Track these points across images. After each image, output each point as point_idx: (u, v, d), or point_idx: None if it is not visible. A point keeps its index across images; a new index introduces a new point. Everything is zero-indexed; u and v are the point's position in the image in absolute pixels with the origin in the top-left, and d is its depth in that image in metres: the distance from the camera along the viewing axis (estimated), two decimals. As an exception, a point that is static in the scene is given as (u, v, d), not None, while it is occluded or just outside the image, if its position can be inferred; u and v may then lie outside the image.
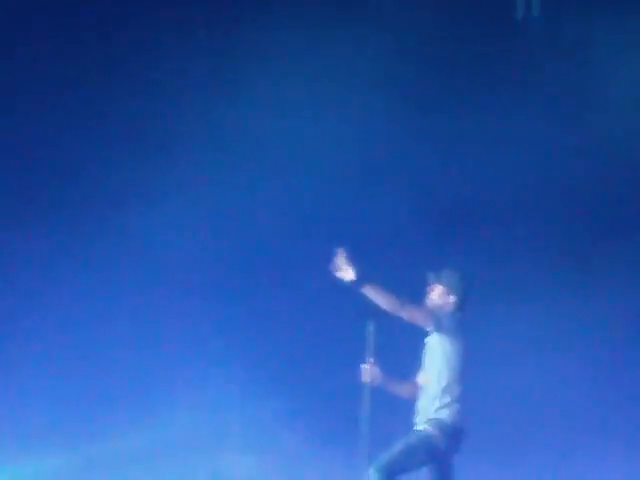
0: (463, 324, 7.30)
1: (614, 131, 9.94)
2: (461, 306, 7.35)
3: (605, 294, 9.70)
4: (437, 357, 7.25)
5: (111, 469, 9.85)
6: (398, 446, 7.09)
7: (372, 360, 7.38)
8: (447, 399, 7.18)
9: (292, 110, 10.03)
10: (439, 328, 7.18)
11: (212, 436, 9.86)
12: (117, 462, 9.87)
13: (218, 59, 10.18)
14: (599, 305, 9.71)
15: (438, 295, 7.35)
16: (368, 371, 7.36)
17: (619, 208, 10.11)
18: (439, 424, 7.14)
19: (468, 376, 7.24)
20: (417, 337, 7.41)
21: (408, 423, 7.32)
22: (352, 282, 6.96)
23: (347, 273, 6.98)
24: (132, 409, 9.89)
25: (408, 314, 7.03)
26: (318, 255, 6.69)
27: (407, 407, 7.38)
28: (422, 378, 7.39)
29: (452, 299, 7.34)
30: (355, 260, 6.96)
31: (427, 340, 7.37)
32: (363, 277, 6.94)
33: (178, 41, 10.08)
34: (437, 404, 7.19)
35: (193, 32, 10.11)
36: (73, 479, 9.83)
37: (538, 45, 10.07)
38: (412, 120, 10.04)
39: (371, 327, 7.35)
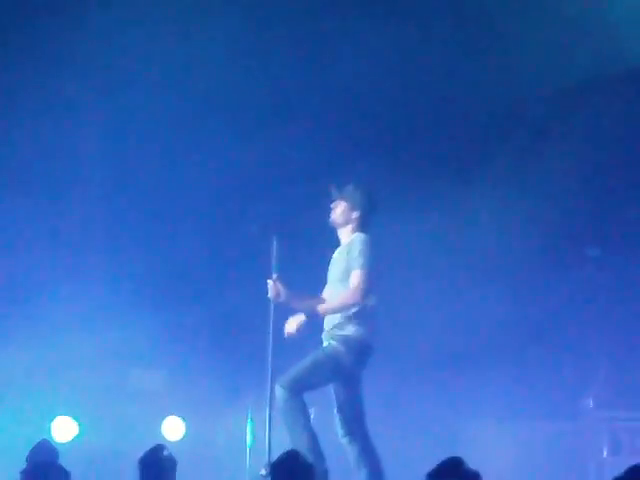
0: (370, 243, 7.10)
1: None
2: (365, 222, 7.18)
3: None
4: (342, 272, 7.09)
5: (16, 383, 9.67)
6: (304, 362, 6.98)
7: (276, 275, 7.18)
8: (354, 315, 7.04)
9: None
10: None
11: (119, 351, 9.70)
12: (24, 376, 9.68)
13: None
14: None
15: (341, 211, 7.17)
16: (273, 287, 7.14)
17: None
18: (345, 340, 7.01)
19: (376, 291, 7.09)
20: (322, 252, 7.26)
21: (314, 339, 7.20)
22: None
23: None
24: (36, 323, 9.66)
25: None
26: (221, 174, 6.49)
27: (313, 324, 7.24)
28: (328, 294, 7.24)
29: (356, 215, 7.17)
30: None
31: (334, 255, 7.22)
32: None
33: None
34: (344, 320, 7.06)
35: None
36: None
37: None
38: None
39: (275, 242, 7.17)
